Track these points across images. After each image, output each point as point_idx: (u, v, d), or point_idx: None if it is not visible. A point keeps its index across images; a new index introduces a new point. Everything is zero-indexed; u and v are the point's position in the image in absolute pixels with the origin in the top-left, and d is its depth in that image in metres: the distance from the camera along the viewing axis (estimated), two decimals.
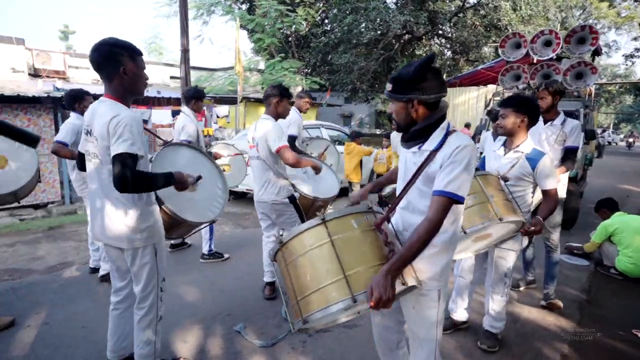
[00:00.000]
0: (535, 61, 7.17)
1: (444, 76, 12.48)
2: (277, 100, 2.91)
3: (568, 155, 3.05)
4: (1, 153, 2.62)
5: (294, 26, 13.39)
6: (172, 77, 16.67)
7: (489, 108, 7.91)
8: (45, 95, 7.16)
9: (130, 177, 1.62)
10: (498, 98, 7.61)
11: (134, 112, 1.74)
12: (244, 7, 15.83)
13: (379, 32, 12.32)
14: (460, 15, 14.33)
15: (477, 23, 14.09)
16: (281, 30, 13.95)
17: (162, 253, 1.97)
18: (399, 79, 1.39)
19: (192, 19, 14.39)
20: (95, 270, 3.50)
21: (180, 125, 3.73)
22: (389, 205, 1.49)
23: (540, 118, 3.16)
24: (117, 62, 1.72)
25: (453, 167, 1.34)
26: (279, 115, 2.97)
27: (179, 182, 1.90)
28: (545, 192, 2.30)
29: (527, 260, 3.60)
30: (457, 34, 14.98)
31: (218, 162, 3.99)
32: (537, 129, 3.17)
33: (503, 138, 2.46)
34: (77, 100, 3.18)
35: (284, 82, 13.45)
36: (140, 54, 1.82)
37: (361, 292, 1.25)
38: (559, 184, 3.08)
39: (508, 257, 2.38)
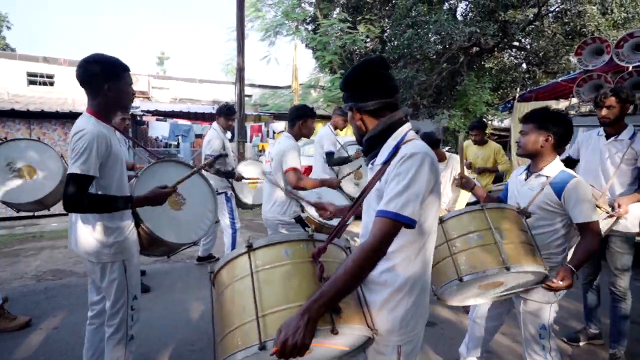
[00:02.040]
0: (629, 69, 6.09)
1: (518, 90, 11.36)
2: (302, 121, 2.86)
3: None
4: (31, 164, 2.83)
5: (355, 43, 13.38)
6: None
7: None
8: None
9: (79, 200, 1.58)
10: (573, 112, 6.64)
11: (101, 129, 1.71)
12: (310, 27, 16.33)
13: (440, 45, 11.72)
14: (537, 23, 13.05)
15: (557, 31, 12.69)
16: (343, 48, 14.03)
17: (132, 270, 1.90)
18: (341, 85, 1.25)
19: (259, 41, 15.19)
20: None
21: (207, 139, 3.79)
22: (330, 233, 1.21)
23: (602, 133, 2.59)
24: (100, 78, 1.71)
25: (397, 180, 1.07)
26: (302, 135, 2.93)
27: (149, 204, 1.81)
28: (580, 227, 1.78)
29: (589, 306, 2.90)
30: (533, 44, 13.66)
31: (247, 175, 3.98)
32: (598, 146, 2.59)
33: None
34: None
35: (341, 98, 13.48)
36: (126, 69, 1.81)
37: (273, 338, 0.99)
38: (630, 215, 2.45)
39: (540, 312, 1.85)
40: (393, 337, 1.15)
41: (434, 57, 12.81)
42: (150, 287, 3.54)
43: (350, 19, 14.41)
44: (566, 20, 12.57)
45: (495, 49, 14.71)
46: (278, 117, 12.85)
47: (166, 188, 1.84)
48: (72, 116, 7.51)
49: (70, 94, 10.73)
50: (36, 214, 6.25)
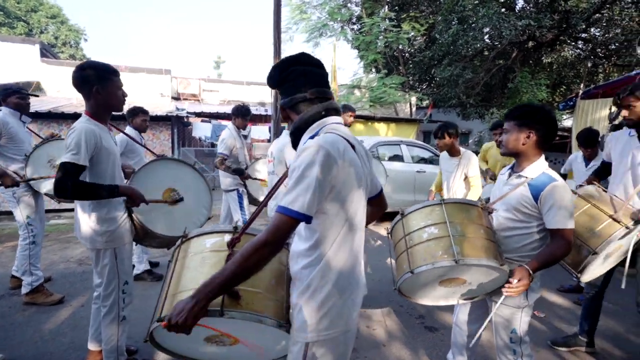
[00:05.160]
0: None
1: (582, 86, 10.30)
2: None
3: None
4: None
5: (399, 41, 13.12)
6: None
7: (615, 122, 6.27)
8: (164, 114, 8.60)
9: (68, 185, 1.77)
10: None
11: (90, 126, 1.91)
12: (355, 27, 16.29)
13: (488, 41, 11.06)
14: (604, 12, 11.79)
15: (630, 18, 11.34)
16: (388, 47, 13.83)
17: (123, 257, 2.09)
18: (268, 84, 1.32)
19: (304, 42, 15.47)
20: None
21: (221, 138, 3.98)
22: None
23: (634, 134, 2.33)
24: (90, 82, 1.92)
25: (291, 175, 1.10)
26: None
27: (129, 196, 1.99)
28: (551, 232, 1.65)
29: (585, 316, 2.69)
30: (601, 34, 12.37)
31: (262, 174, 4.12)
32: (630, 149, 2.33)
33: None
34: None
35: (383, 98, 13.29)
36: (115, 73, 2.00)
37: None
38: None
39: (511, 317, 1.75)
40: (302, 333, 1.15)
41: (482, 53, 12.13)
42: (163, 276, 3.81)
43: (394, 17, 14.15)
44: None
45: (557, 42, 13.56)
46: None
47: (149, 199, 2.06)
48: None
49: (130, 98, 11.82)
50: None
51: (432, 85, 14.29)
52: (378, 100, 13.40)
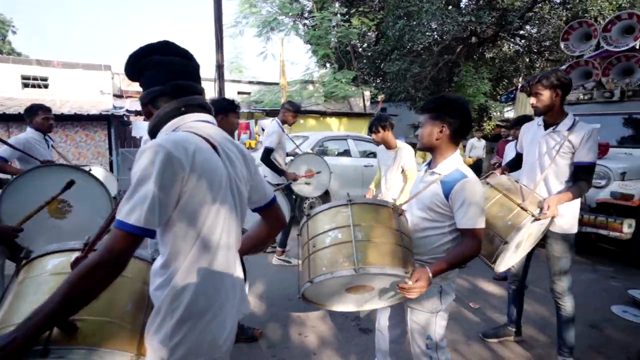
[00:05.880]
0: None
1: (520, 79, 10.84)
2: (222, 116, 2.67)
3: (579, 175, 2.18)
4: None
5: (348, 36, 13.11)
6: (239, 93, 17.78)
7: None
8: (98, 113, 7.97)
9: None
10: None
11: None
12: (308, 22, 16.08)
13: (433, 36, 11.35)
14: (537, 9, 12.49)
15: (558, 17, 12.12)
16: (339, 41, 13.78)
17: None
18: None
19: (255, 36, 15.05)
20: None
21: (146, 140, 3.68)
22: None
23: (541, 123, 2.35)
24: None
25: (131, 183, 0.94)
26: (225, 131, 2.71)
27: None
28: (462, 232, 1.58)
29: (511, 306, 2.73)
30: (533, 31, 13.11)
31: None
32: (536, 138, 2.35)
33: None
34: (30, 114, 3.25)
35: (335, 93, 13.27)
36: None
37: None
38: (566, 214, 2.22)
39: (426, 322, 1.67)
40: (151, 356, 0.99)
41: (429, 48, 12.42)
42: None
43: (345, 13, 14.14)
44: (568, 6, 12.00)
45: (497, 38, 14.20)
46: (270, 113, 12.70)
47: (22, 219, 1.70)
48: (67, 118, 7.53)
49: (64, 95, 10.84)
50: None
51: (384, 80, 14.48)
52: (330, 95, 13.36)
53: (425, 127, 1.68)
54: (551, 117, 2.26)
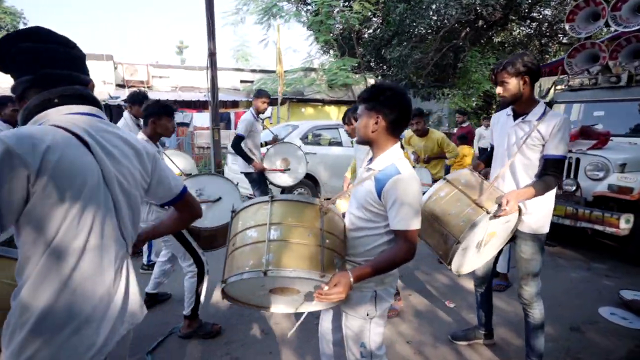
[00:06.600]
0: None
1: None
2: (155, 119, 2.54)
3: (546, 170, 1.97)
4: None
5: (348, 22, 12.71)
6: (242, 81, 17.63)
7: (546, 100, 6.26)
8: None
9: None
10: (561, 87, 5.94)
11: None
12: (310, 8, 15.67)
13: (434, 20, 10.87)
14: None
15: None
16: (339, 27, 13.41)
17: None
18: None
19: (256, 23, 14.76)
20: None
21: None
22: None
23: (510, 113, 2.14)
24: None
25: None
26: (159, 135, 2.58)
27: None
28: (395, 234, 1.43)
29: (479, 309, 2.56)
30: (547, 12, 12.49)
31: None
32: (505, 129, 2.15)
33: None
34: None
35: (335, 81, 12.97)
36: None
37: None
38: (536, 213, 2.03)
39: (359, 328, 1.54)
40: None
41: (430, 33, 11.96)
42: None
43: None
44: None
45: (508, 21, 13.58)
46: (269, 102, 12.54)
47: None
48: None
49: None
50: None
51: (386, 66, 14.07)
52: (331, 82, 13.07)
53: (361, 118, 1.51)
54: (520, 106, 2.05)
